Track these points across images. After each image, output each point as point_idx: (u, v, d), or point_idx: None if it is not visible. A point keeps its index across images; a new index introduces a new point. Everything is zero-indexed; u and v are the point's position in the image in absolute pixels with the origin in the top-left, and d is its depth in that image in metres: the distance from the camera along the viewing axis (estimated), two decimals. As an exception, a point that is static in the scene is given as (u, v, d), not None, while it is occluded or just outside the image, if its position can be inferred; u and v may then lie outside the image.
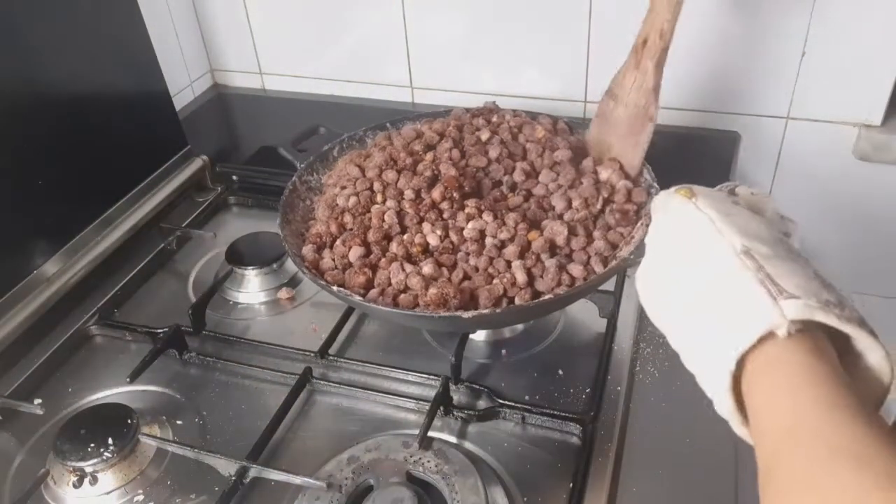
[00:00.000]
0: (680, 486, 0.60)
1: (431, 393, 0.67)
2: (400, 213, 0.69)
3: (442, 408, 0.66)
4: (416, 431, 0.63)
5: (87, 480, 0.62)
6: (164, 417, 0.69)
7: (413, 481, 0.60)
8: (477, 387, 0.69)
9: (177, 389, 0.72)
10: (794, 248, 0.44)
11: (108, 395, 0.72)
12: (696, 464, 0.61)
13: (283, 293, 0.82)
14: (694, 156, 0.90)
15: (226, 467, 0.62)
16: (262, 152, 1.10)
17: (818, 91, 0.83)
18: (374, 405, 0.69)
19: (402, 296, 0.64)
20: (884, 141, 0.83)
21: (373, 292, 0.65)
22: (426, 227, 0.68)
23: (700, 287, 0.44)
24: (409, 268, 0.65)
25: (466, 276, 0.65)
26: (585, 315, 0.76)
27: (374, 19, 0.95)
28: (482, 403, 0.68)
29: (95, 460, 0.61)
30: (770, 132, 0.88)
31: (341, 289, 0.65)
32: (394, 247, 0.67)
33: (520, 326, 0.76)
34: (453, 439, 0.65)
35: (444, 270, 0.65)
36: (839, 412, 0.34)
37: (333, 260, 0.68)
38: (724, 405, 0.41)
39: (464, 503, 0.58)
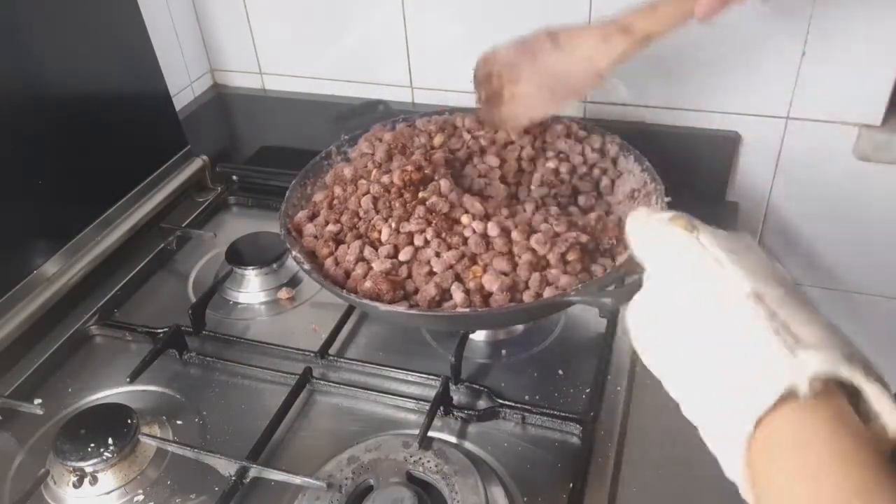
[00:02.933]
0: (680, 486, 0.60)
1: (431, 393, 0.67)
2: (376, 198, 0.70)
3: (442, 408, 0.66)
4: (416, 431, 0.63)
5: (87, 480, 0.62)
6: (164, 417, 0.69)
7: (413, 481, 0.60)
8: (477, 387, 0.69)
9: (177, 389, 0.72)
10: (805, 295, 0.40)
11: (108, 395, 0.72)
12: (696, 464, 0.61)
13: (283, 293, 0.82)
14: (694, 156, 0.90)
15: (226, 467, 0.62)
16: (262, 152, 1.10)
17: (818, 91, 0.83)
18: (374, 405, 0.69)
19: (354, 273, 0.66)
20: (884, 141, 0.83)
21: (328, 261, 0.67)
22: (391, 216, 0.69)
23: (707, 335, 0.39)
24: (368, 251, 0.67)
25: (409, 275, 0.66)
26: (585, 315, 0.76)
27: (373, 19, 0.95)
28: (482, 403, 0.68)
29: (95, 460, 0.61)
30: (770, 132, 0.87)
31: (297, 254, 0.68)
32: (361, 226, 0.69)
33: (519, 326, 0.76)
34: (453, 439, 0.65)
35: (395, 261, 0.66)
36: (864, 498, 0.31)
37: (315, 227, 0.71)
38: (736, 472, 0.37)
39: (464, 503, 0.58)
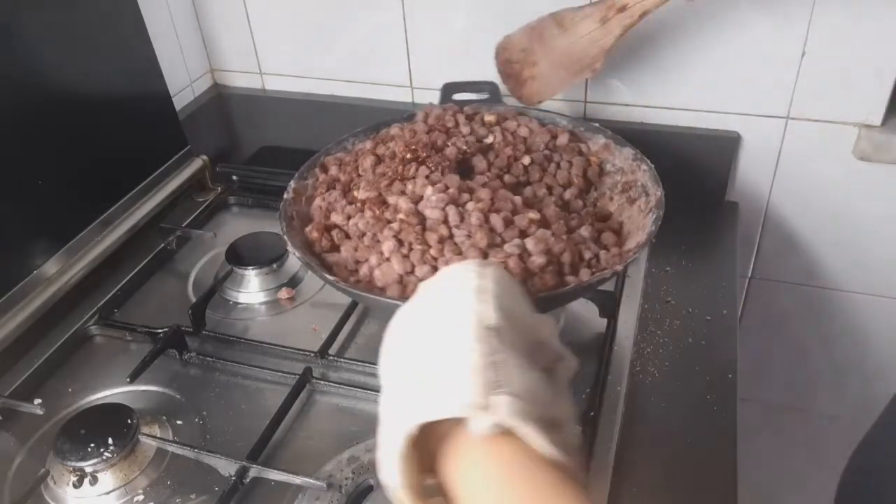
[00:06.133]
0: (680, 485, 0.60)
1: (431, 393, 0.67)
2: (378, 161, 0.72)
3: (442, 408, 0.66)
4: (416, 431, 0.63)
5: (87, 480, 0.62)
6: (164, 417, 0.69)
7: (413, 481, 0.60)
8: (477, 387, 0.69)
9: (177, 389, 0.72)
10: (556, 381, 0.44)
11: (108, 395, 0.72)
12: (696, 464, 0.61)
13: (283, 293, 0.82)
14: (694, 156, 0.90)
15: (226, 467, 0.62)
16: (262, 152, 1.10)
17: (818, 91, 0.83)
18: (374, 405, 0.68)
19: (318, 217, 0.70)
20: (884, 141, 0.83)
21: (317, 202, 0.72)
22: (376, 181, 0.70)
23: (434, 346, 0.42)
24: (341, 204, 0.69)
25: (347, 235, 0.67)
26: (585, 315, 0.76)
27: (374, 19, 0.95)
28: (482, 403, 0.68)
29: (95, 460, 0.61)
30: (770, 132, 0.87)
31: (291, 183, 0.73)
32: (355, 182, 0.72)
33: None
34: (453, 439, 0.65)
35: (351, 220, 0.68)
36: None
37: (338, 170, 0.75)
38: (393, 468, 0.39)
39: (464, 503, 0.58)
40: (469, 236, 0.61)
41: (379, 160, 0.72)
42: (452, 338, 0.40)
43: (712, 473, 0.61)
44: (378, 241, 0.64)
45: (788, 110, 0.85)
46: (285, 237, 0.67)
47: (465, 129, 0.75)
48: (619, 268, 0.60)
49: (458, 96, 0.87)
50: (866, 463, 0.67)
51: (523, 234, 0.62)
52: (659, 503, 0.59)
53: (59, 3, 0.79)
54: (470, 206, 0.63)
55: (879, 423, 0.67)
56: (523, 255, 0.60)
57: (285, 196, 0.72)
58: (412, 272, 0.62)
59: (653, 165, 0.70)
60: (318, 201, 0.72)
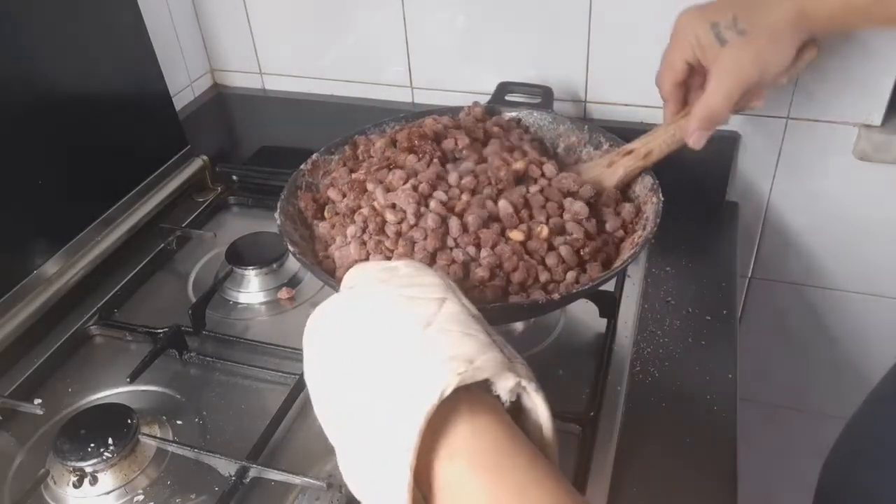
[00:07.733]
0: (679, 485, 0.60)
1: (431, 393, 0.67)
2: (391, 146, 0.72)
3: (442, 407, 0.66)
4: (416, 431, 0.63)
5: (87, 480, 0.62)
6: (164, 417, 0.69)
7: (413, 481, 0.60)
8: (477, 387, 0.69)
9: (177, 389, 0.72)
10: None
11: (108, 395, 0.72)
12: (696, 464, 0.61)
13: (283, 293, 0.82)
14: (694, 156, 0.90)
15: (226, 467, 0.62)
16: (262, 152, 1.10)
17: (818, 91, 0.83)
18: (374, 405, 0.69)
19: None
20: (884, 141, 0.83)
21: (329, 178, 0.73)
22: (370, 166, 0.71)
23: (385, 332, 0.40)
24: (344, 180, 0.70)
25: (337, 212, 0.69)
26: (585, 315, 0.76)
27: (374, 19, 0.95)
28: (482, 403, 0.68)
29: (95, 460, 0.61)
30: (770, 132, 0.87)
31: (315, 155, 0.75)
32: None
33: (519, 326, 0.76)
34: (453, 439, 0.65)
35: (345, 198, 0.69)
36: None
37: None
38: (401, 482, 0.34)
39: (464, 503, 0.58)
40: (425, 237, 0.61)
41: (392, 144, 0.72)
42: (437, 314, 0.41)
43: (712, 473, 0.61)
44: (351, 223, 0.65)
45: (788, 110, 0.85)
46: (278, 204, 0.69)
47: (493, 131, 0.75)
48: (556, 297, 0.59)
49: (510, 97, 0.88)
50: (846, 449, 0.68)
51: (480, 244, 0.61)
52: (659, 503, 0.59)
53: (60, 4, 0.79)
54: (433, 205, 0.63)
55: (861, 409, 0.68)
56: (471, 263, 0.60)
57: (302, 166, 0.74)
58: (366, 260, 0.62)
59: (662, 199, 0.68)
60: (329, 178, 0.73)
